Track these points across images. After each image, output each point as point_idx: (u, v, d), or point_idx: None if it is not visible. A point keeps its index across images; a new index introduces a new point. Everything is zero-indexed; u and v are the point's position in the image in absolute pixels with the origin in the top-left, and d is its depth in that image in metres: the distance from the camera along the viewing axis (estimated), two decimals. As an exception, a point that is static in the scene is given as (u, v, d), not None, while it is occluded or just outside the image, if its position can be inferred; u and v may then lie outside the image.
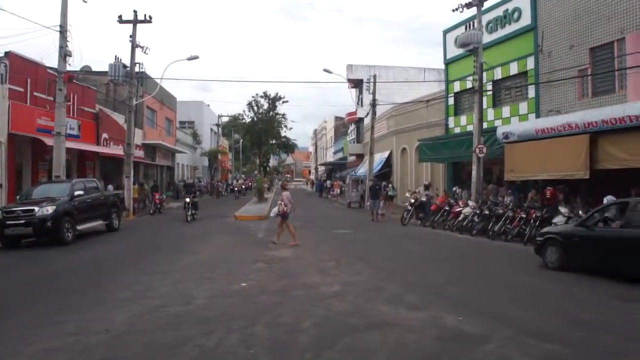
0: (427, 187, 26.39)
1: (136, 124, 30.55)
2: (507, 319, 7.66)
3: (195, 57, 30.90)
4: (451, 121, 27.80)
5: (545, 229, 13.44)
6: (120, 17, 27.36)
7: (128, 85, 28.24)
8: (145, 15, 27.46)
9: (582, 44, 18.98)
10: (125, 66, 27.60)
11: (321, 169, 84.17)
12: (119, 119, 31.39)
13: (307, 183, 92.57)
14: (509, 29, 22.95)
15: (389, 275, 11.35)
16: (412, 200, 23.92)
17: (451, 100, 27.86)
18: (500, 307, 8.55)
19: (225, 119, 68.39)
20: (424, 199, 24.18)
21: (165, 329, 7.13)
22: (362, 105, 45.90)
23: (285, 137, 61.43)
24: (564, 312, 8.19)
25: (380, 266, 12.57)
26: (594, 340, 6.65)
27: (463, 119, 26.63)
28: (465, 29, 25.30)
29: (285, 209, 16.31)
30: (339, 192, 46.98)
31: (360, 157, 48.68)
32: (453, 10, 22.42)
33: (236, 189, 51.21)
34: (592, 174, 16.03)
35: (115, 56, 29.35)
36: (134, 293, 9.42)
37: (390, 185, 31.44)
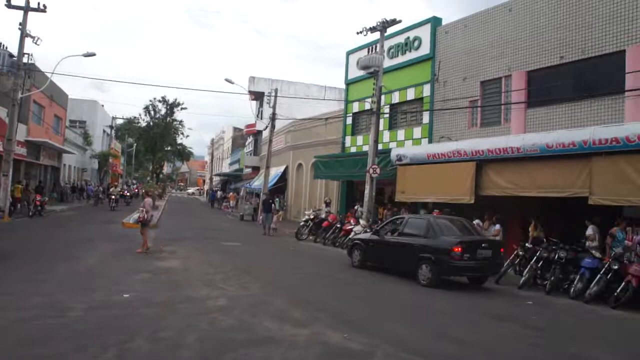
0: (327, 204, 26.66)
1: (20, 119, 28.31)
2: (390, 335, 7.80)
3: (92, 54, 29.35)
4: (348, 140, 28.35)
5: (353, 237, 17.50)
6: (9, 0, 25.40)
7: (14, 76, 26.21)
8: (39, 4, 25.68)
9: (474, 77, 20.14)
10: (11, 55, 25.62)
11: (216, 179, 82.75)
12: (1, 112, 29.09)
13: (200, 193, 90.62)
14: (409, 56, 23.86)
15: (276, 290, 11.22)
16: (312, 217, 23.99)
17: (349, 120, 28.43)
18: (385, 324, 8.71)
19: (119, 121, 65.54)
20: (323, 215, 24.34)
21: (29, 345, 6.46)
22: (261, 118, 45.75)
23: (181, 144, 60.00)
24: (442, 330, 8.49)
25: (268, 280, 12.42)
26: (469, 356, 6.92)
27: (359, 139, 27.25)
28: (368, 52, 26.02)
29: (145, 216, 15.96)
30: (234, 204, 46.04)
31: (256, 169, 48.41)
32: (357, 33, 23.01)
33: (112, 196, 38.39)
34: (476, 200, 16.92)
35: (1, 43, 27.30)
36: (1, 304, 8.50)
37: (277, 199, 31.60)
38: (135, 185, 60.55)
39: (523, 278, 13.35)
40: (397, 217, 16.36)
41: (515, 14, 18.80)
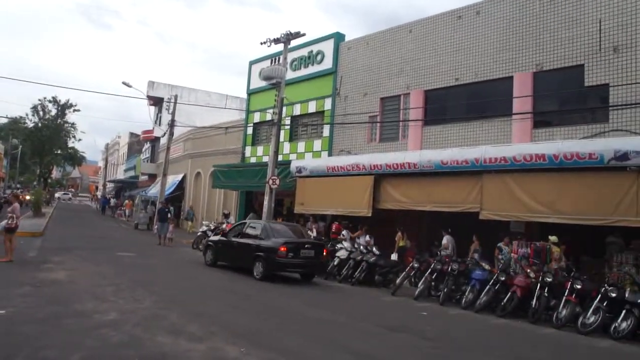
0: (226, 216, 26.10)
1: None
2: (288, 349, 7.69)
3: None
4: (248, 150, 28.11)
5: (208, 239, 19.29)
6: None
7: None
8: None
9: (374, 93, 20.70)
10: None
11: (110, 185, 78.92)
12: None
13: (92, 199, 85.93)
14: (312, 69, 24.12)
15: (171, 303, 10.73)
16: (211, 227, 23.39)
17: (250, 130, 28.22)
18: (281, 336, 8.58)
19: (3, 121, 60.79)
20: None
21: None
22: (160, 124, 44.27)
23: (72, 148, 56.35)
24: (341, 342, 8.50)
25: (163, 293, 11.86)
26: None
27: (260, 150, 27.10)
28: (271, 62, 26.00)
29: (14, 222, 14.77)
30: (130, 212, 43.54)
31: (153, 177, 46.74)
32: (261, 44, 22.84)
33: None
34: (374, 213, 17.27)
35: None
36: None
37: (189, 210, 30.91)
38: (18, 190, 56.04)
39: (418, 289, 13.74)
40: (242, 221, 19.14)
41: (415, 35, 19.56)
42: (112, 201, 55.85)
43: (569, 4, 15.47)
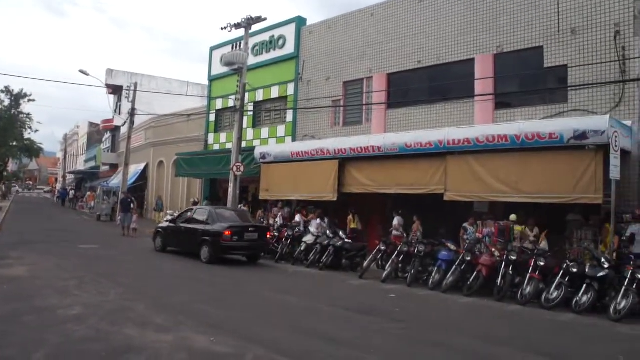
0: (195, 204, 25.72)
1: None
2: (257, 336, 7.64)
3: None
4: (211, 137, 27.76)
5: (157, 226, 19.94)
6: None
7: None
8: None
9: (337, 77, 20.64)
10: None
11: (70, 177, 76.90)
12: None
13: (52, 192, 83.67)
14: (274, 54, 23.88)
15: (137, 294, 10.54)
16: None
17: (213, 117, 27.85)
18: (250, 324, 8.52)
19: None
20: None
21: None
22: (120, 113, 43.25)
23: (29, 139, 54.32)
24: (311, 327, 8.49)
25: (129, 285, 11.64)
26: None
27: (223, 137, 26.78)
28: (232, 48, 25.59)
29: None
30: (93, 204, 42.36)
31: (114, 167, 45.74)
32: (222, 29, 22.51)
33: None
34: (339, 197, 17.28)
35: None
36: None
37: (158, 200, 30.46)
38: None
39: (385, 272, 13.82)
40: (190, 208, 19.81)
41: (377, 19, 19.54)
42: (71, 193, 54.52)
43: (528, -14, 15.63)
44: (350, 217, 17.56)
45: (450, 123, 16.48)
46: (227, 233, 15.52)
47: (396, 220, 16.05)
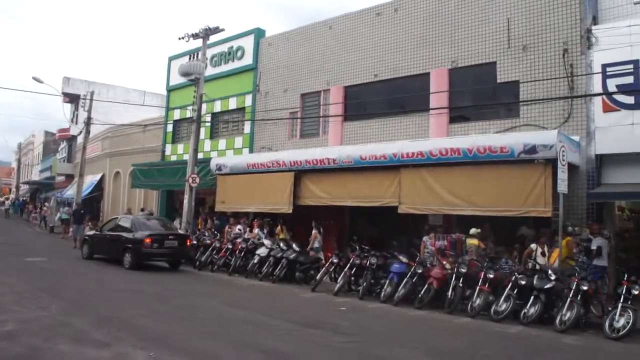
0: (150, 214, 25.21)
1: None
2: (199, 350, 7.46)
3: None
4: (168, 148, 27.32)
5: (85, 234, 20.75)
6: None
7: None
8: None
9: (295, 89, 20.60)
10: None
11: (24, 187, 74.61)
12: None
13: (4, 203, 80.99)
14: (232, 65, 23.71)
15: (79, 309, 10.15)
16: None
17: (170, 128, 27.44)
18: (190, 338, 8.29)
19: None
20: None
21: None
22: (76, 123, 42.25)
23: (-21, 148, 52.61)
24: (253, 341, 8.30)
25: (72, 299, 11.22)
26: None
27: (180, 148, 26.37)
28: (190, 58, 25.33)
29: None
30: (47, 215, 40.68)
31: (70, 177, 44.50)
32: (179, 39, 22.41)
33: None
34: (295, 209, 17.14)
35: None
36: None
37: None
38: None
39: (338, 285, 13.70)
40: (116, 216, 20.69)
41: (335, 32, 19.60)
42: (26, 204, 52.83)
43: (482, 3, 15.94)
44: (279, 227, 17.92)
45: (405, 136, 16.56)
46: (147, 240, 16.37)
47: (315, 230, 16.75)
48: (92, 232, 19.99)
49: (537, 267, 11.47)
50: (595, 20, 14.20)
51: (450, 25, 16.56)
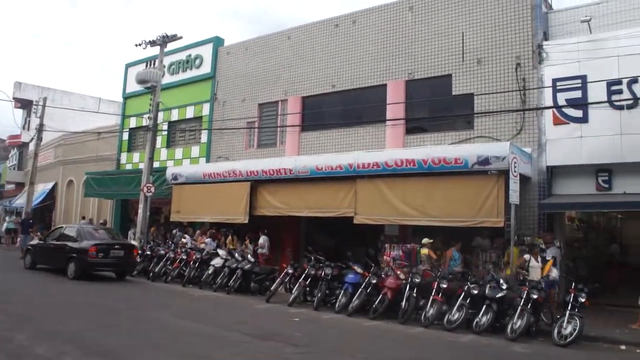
0: (104, 224, 24.61)
1: None
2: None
3: None
4: (124, 157, 26.79)
5: (28, 244, 20.00)
6: None
7: None
8: None
9: (253, 99, 20.51)
10: None
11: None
12: None
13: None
14: (190, 74, 23.47)
15: (21, 323, 9.73)
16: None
17: (126, 136, 26.92)
18: (144, 353, 8.03)
19: None
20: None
21: None
22: (28, 129, 41.05)
23: None
24: (203, 354, 8.09)
25: (15, 313, 10.75)
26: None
27: (136, 156, 25.88)
28: (147, 66, 24.98)
29: None
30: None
31: (20, 186, 43.11)
32: (136, 45, 22.06)
33: None
34: (251, 220, 16.98)
35: None
36: None
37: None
38: None
39: (293, 295, 13.57)
40: (61, 225, 20.48)
41: (294, 42, 19.62)
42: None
43: (438, 17, 16.20)
44: (230, 238, 17.96)
45: (362, 147, 16.63)
46: (92, 250, 16.08)
47: (262, 239, 17.06)
48: (35, 242, 19.55)
49: (529, 278, 11.53)
50: (546, 36, 14.62)
51: (407, 37, 16.75)
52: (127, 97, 27.48)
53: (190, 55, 23.57)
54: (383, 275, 12.73)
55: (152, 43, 21.73)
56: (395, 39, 17.02)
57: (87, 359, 7.24)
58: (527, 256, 12.18)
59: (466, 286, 11.35)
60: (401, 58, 16.79)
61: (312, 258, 14.09)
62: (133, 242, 19.51)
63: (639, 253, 17.54)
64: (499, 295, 10.84)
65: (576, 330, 9.74)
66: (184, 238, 18.83)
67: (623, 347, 10.07)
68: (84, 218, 25.42)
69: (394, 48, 16.98)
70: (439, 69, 16.03)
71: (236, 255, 15.75)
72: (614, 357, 9.37)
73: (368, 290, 12.52)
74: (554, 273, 11.82)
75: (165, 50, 22.17)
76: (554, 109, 13.76)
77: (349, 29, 18.19)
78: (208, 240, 17.86)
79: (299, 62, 19.29)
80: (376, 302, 12.19)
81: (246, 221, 16.96)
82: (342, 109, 18.08)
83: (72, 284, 15.54)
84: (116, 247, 16.93)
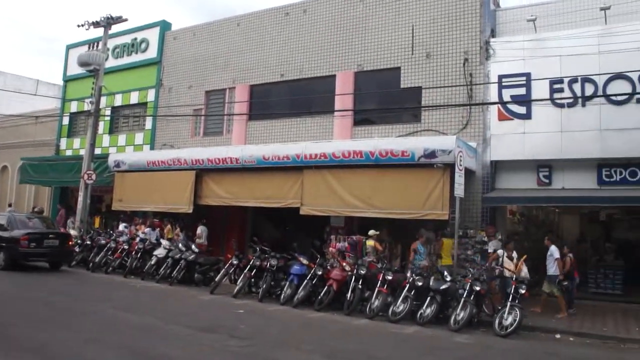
0: (40, 213, 23.55)
1: None
2: None
3: None
4: (63, 142, 25.72)
5: None
6: None
7: None
8: None
9: (200, 86, 20.05)
10: None
11: None
12: None
13: None
14: (135, 58, 22.73)
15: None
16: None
17: (66, 120, 25.87)
18: (80, 348, 7.72)
19: None
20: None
21: None
22: (-41, 112, 39.01)
23: None
24: (147, 347, 7.88)
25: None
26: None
27: (77, 142, 24.91)
28: (90, 48, 24.03)
29: None
30: None
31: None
32: (79, 26, 21.21)
33: None
34: (196, 209, 16.64)
35: None
36: None
37: None
38: None
39: (237, 287, 13.38)
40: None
41: (243, 29, 19.28)
42: None
43: (388, 10, 16.22)
44: (169, 227, 17.67)
45: (310, 137, 16.54)
46: (24, 239, 15.43)
47: (200, 229, 16.63)
48: None
49: (505, 272, 11.69)
50: (493, 33, 14.87)
51: (358, 29, 16.72)
52: (68, 80, 26.38)
53: (135, 39, 22.82)
54: (329, 267, 12.71)
55: (96, 24, 20.94)
56: (345, 30, 16.95)
57: (16, 355, 6.85)
58: (500, 251, 12.38)
59: (411, 278, 11.45)
60: (351, 49, 16.74)
61: (258, 249, 13.92)
62: (72, 232, 18.86)
63: (573, 246, 18.15)
64: (443, 287, 11.00)
65: (516, 321, 9.99)
66: (120, 226, 18.31)
67: (558, 335, 10.44)
68: (10, 205, 24.25)
69: (344, 39, 16.92)
70: (389, 62, 16.07)
71: (180, 245, 15.40)
72: (550, 346, 9.65)
73: (314, 282, 12.48)
74: (524, 270, 11.96)
75: (110, 32, 21.40)
76: (499, 105, 14.02)
77: (299, 18, 18.00)
78: (147, 229, 17.36)
79: (248, 50, 18.97)
80: (322, 294, 12.17)
81: (190, 211, 16.60)
82: (290, 99, 17.94)
83: (1, 275, 14.86)
84: (50, 236, 16.24)
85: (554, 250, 12.34)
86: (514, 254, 12.25)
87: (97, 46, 23.05)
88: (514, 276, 11.22)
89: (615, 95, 12.72)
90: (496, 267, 11.96)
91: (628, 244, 17.07)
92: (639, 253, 16.28)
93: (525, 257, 12.15)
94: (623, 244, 16.91)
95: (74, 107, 25.44)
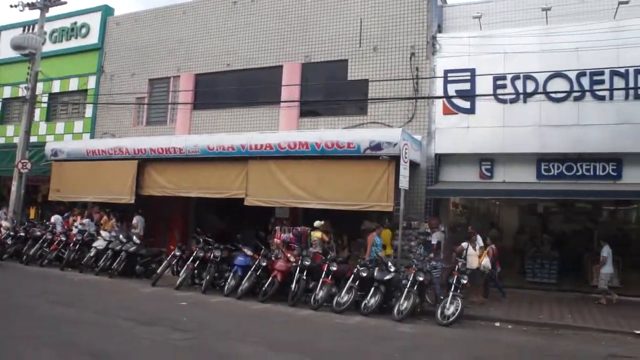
0: None
1: None
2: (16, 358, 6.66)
3: None
4: (-4, 130, 24.58)
5: None
6: None
7: None
8: None
9: (143, 74, 19.50)
10: None
11: None
12: None
13: None
14: (75, 43, 21.86)
15: None
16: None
17: (-1, 107, 24.69)
18: (14, 344, 7.39)
19: None
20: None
21: None
22: None
23: None
24: (85, 343, 7.58)
25: None
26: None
27: (10, 129, 23.73)
28: (25, 30, 22.95)
29: None
30: None
31: None
32: (12, 7, 20.25)
33: None
34: (138, 200, 16.20)
35: None
36: None
37: None
38: None
39: (180, 278, 13.12)
40: None
41: (189, 17, 18.87)
42: None
43: (337, 2, 16.29)
44: (105, 217, 17.12)
45: (256, 128, 16.35)
46: None
47: (135, 220, 16.28)
48: None
49: (472, 265, 11.93)
50: (440, 29, 15.08)
51: (305, 20, 16.62)
52: (0, 64, 25.15)
53: (75, 23, 21.94)
54: (273, 258, 12.62)
55: (32, 5, 20.09)
56: (293, 21, 16.82)
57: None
58: (464, 244, 12.55)
59: (355, 269, 11.50)
60: (298, 40, 16.64)
61: (201, 240, 13.68)
62: (4, 223, 18.04)
63: (511, 237, 18.71)
64: (387, 277, 11.09)
65: (458, 310, 10.20)
66: (52, 218, 17.64)
67: (497, 324, 10.76)
68: None
69: (292, 30, 16.79)
70: (336, 54, 16.06)
71: (121, 236, 14.96)
72: (490, 333, 9.90)
73: (258, 273, 12.38)
74: (485, 261, 12.27)
75: (48, 15, 20.56)
76: (444, 99, 14.25)
77: (247, 7, 17.73)
78: (86, 220, 16.78)
79: (193, 38, 18.55)
80: (266, 285, 12.08)
81: (132, 201, 16.14)
82: (236, 89, 17.63)
83: None
84: None
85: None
86: (478, 246, 12.56)
87: (33, 29, 22.08)
88: (481, 267, 11.70)
89: (554, 92, 13.15)
90: (460, 260, 12.04)
91: (563, 235, 17.76)
92: (574, 244, 16.94)
93: (487, 250, 12.55)
94: (559, 236, 17.55)
95: (7, 92, 24.23)
